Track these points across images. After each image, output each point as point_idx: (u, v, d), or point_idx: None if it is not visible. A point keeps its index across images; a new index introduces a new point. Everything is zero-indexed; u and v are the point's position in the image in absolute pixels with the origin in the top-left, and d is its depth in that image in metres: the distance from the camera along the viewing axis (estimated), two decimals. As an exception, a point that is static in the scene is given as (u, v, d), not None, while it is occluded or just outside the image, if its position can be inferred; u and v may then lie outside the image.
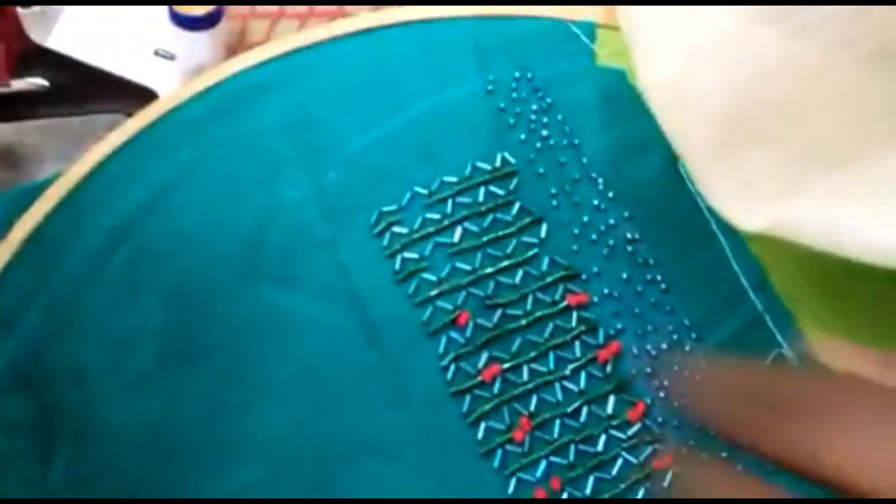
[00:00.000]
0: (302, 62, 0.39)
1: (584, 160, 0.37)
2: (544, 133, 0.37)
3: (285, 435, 0.33)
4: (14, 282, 0.35)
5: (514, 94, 0.38)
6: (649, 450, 0.34)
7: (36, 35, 0.42)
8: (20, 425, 0.33)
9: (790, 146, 0.30)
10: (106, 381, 0.34)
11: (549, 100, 0.38)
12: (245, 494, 0.33)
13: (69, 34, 0.44)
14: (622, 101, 0.38)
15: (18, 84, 0.40)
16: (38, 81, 0.41)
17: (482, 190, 0.36)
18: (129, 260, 0.35)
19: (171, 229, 0.36)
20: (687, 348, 0.35)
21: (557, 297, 0.35)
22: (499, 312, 0.35)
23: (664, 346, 0.35)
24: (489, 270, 0.35)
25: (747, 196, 0.30)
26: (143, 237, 0.36)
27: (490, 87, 0.38)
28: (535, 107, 0.38)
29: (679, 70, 0.32)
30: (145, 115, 0.38)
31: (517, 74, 0.39)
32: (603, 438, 0.34)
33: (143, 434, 0.33)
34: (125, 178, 0.37)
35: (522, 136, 0.37)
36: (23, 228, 0.36)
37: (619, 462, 0.34)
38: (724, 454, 0.33)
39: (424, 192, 0.36)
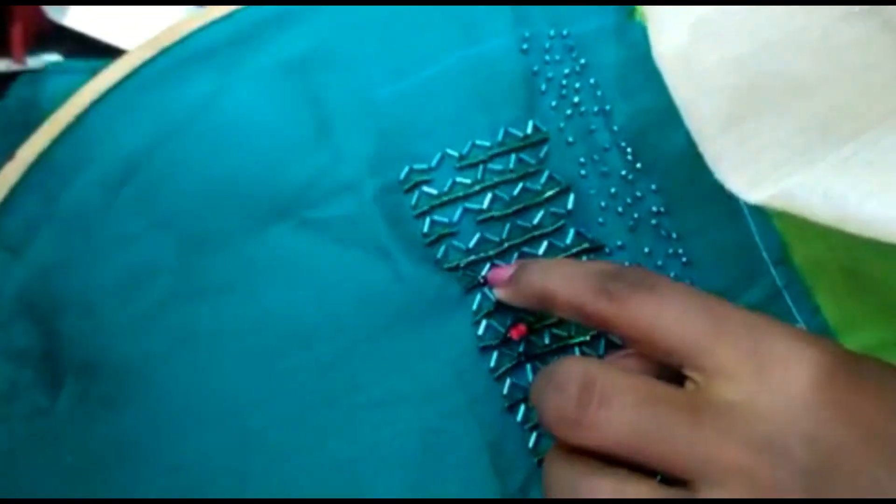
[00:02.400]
0: None
1: (615, 128, 0.38)
2: (576, 99, 0.38)
3: (309, 382, 0.34)
4: (22, 206, 0.35)
5: (548, 56, 0.38)
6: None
7: (52, 13, 0.42)
8: (28, 354, 0.34)
9: (797, 118, 0.30)
10: (115, 314, 0.34)
11: (582, 60, 0.38)
12: (261, 436, 0.33)
13: (86, 12, 0.44)
14: (653, 64, 0.38)
15: (34, 62, 0.41)
16: (54, 59, 0.41)
17: (513, 157, 0.37)
18: (142, 191, 0.36)
19: (187, 162, 0.36)
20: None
21: (583, 267, 0.36)
22: (525, 280, 0.36)
23: (683, 317, 0.36)
24: (516, 240, 0.36)
25: (752, 167, 0.30)
26: (158, 169, 0.36)
27: (525, 46, 0.38)
28: (567, 70, 0.38)
29: (686, 42, 0.32)
30: (159, 41, 0.38)
31: (552, 32, 0.39)
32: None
33: (152, 370, 0.34)
34: (139, 105, 0.37)
35: (553, 103, 0.38)
36: (31, 149, 0.35)
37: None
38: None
39: (455, 154, 0.37)
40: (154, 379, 0.34)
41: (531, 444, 0.34)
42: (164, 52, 0.38)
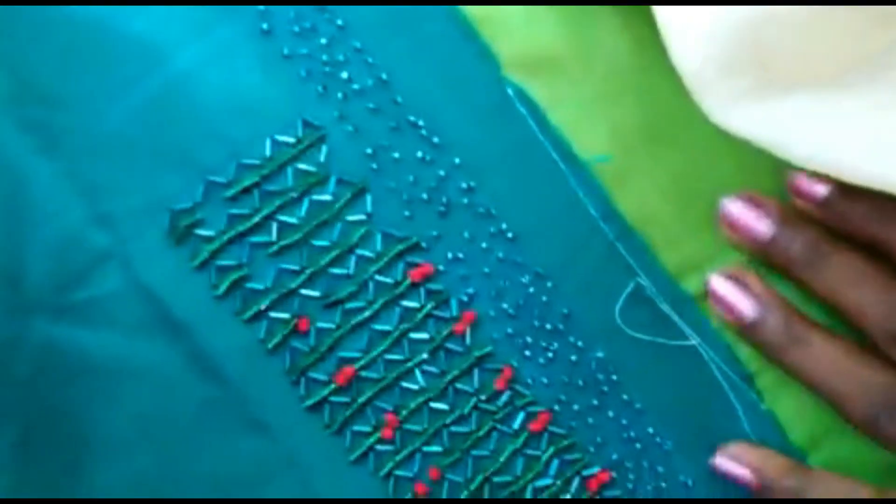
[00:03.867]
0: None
1: (398, 99, 0.32)
2: (344, 75, 0.32)
3: (136, 491, 0.30)
4: None
5: (297, 27, 0.32)
6: (522, 415, 0.33)
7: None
8: None
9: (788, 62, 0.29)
10: None
11: (339, 20, 0.32)
12: None
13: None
14: (423, 9, 0.32)
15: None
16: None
17: (289, 170, 0.31)
18: None
19: None
20: (545, 299, 0.33)
21: (399, 275, 0.32)
22: (339, 310, 0.31)
23: (521, 301, 0.33)
24: (320, 264, 0.31)
25: (736, 98, 0.29)
26: None
27: (265, 26, 0.31)
28: (324, 39, 0.32)
29: None
30: None
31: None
32: (475, 415, 0.32)
33: None
34: None
35: (320, 88, 0.31)
36: None
37: (494, 435, 0.33)
38: (595, 402, 0.33)
39: (222, 180, 0.31)
40: None
41: (390, 491, 0.32)
42: None
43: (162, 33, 0.30)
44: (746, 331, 0.32)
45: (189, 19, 0.30)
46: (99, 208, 0.30)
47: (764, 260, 0.32)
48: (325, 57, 0.32)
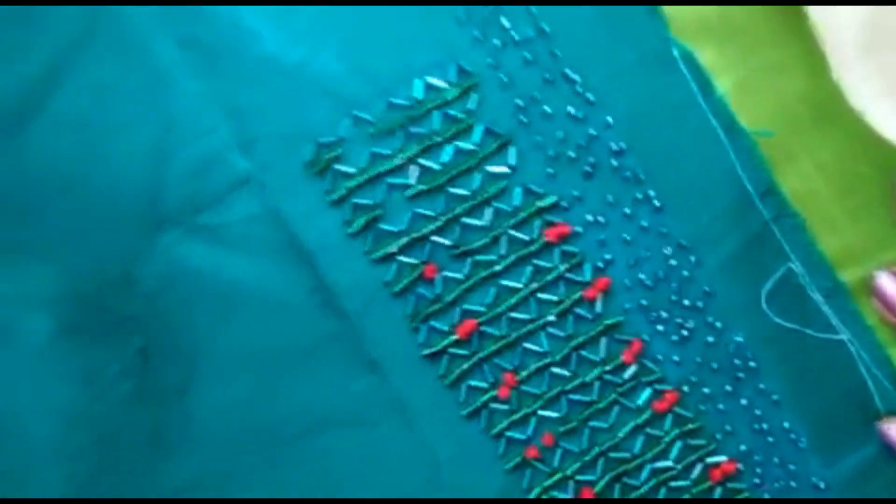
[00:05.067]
0: None
1: (557, 52, 0.31)
2: (504, 23, 0.30)
3: (230, 419, 0.30)
4: None
5: (460, -31, 0.31)
6: (648, 392, 0.31)
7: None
8: None
9: None
10: None
11: (506, -30, 0.31)
12: (185, 494, 0.30)
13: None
14: None
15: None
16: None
17: (436, 115, 0.30)
18: (8, 213, 0.29)
19: (39, 170, 0.29)
20: (686, 274, 0.31)
21: (535, 233, 0.31)
22: (469, 261, 0.31)
23: (660, 273, 0.31)
24: (456, 212, 0.30)
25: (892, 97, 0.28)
26: (8, 181, 0.29)
27: None
28: (489, -15, 0.31)
29: None
30: None
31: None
32: (597, 385, 0.31)
33: (51, 426, 0.30)
34: None
35: (476, 33, 0.31)
36: None
37: (616, 409, 0.31)
38: (729, 387, 0.31)
39: (368, 117, 0.30)
40: (62, 437, 0.30)
41: (500, 450, 0.31)
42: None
43: None
44: None
45: None
46: (244, 133, 0.30)
47: None
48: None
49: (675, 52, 0.30)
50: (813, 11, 0.28)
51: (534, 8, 0.30)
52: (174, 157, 0.30)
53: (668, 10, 0.30)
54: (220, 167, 0.30)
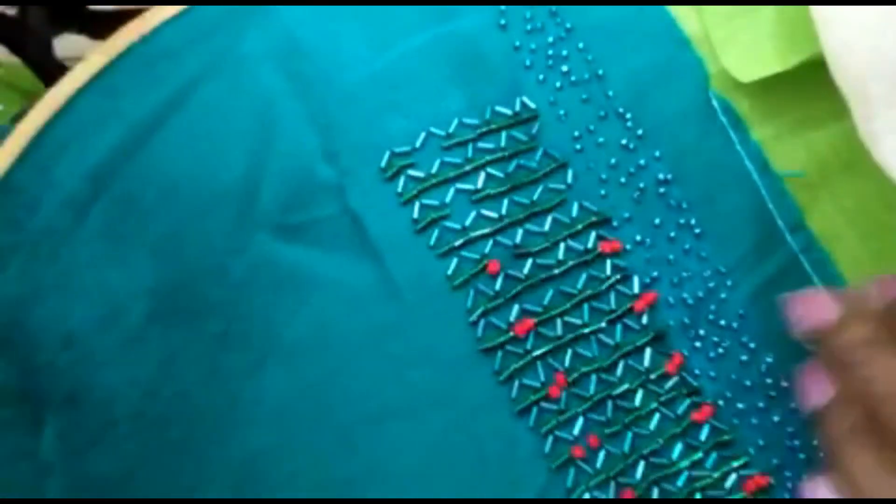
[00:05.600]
0: None
1: (610, 93, 0.34)
2: (564, 68, 0.34)
3: (295, 399, 0.31)
4: None
5: (529, 26, 0.35)
6: (687, 403, 0.33)
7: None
8: (6, 393, 0.31)
9: None
10: (96, 343, 0.31)
11: (567, 24, 0.35)
12: (254, 463, 0.31)
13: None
14: (646, 20, 0.35)
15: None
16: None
17: (504, 134, 0.34)
18: (111, 209, 0.32)
19: (155, 174, 0.32)
20: (723, 296, 0.33)
21: (590, 244, 0.33)
22: (530, 262, 0.33)
23: (700, 294, 0.33)
24: (517, 217, 0.33)
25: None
26: (125, 183, 0.32)
27: (503, 21, 0.34)
28: (551, 38, 0.35)
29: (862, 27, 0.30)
30: (112, 46, 0.34)
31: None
32: (640, 393, 0.33)
33: (137, 399, 0.31)
34: (97, 117, 0.32)
35: (541, 76, 0.34)
36: (-11, 178, 0.32)
37: (657, 417, 0.33)
38: (761, 404, 0.33)
39: (441, 132, 0.33)
40: (141, 407, 0.31)
41: (547, 449, 0.32)
42: (125, 55, 0.33)
43: (407, 16, 0.34)
44: None
45: (438, 8, 0.34)
46: (330, 146, 0.33)
47: None
48: (550, 52, 0.35)
49: (715, 103, 0.34)
50: (836, 66, 0.31)
51: (588, 55, 0.34)
52: (271, 167, 0.32)
53: (710, 63, 0.34)
54: (308, 175, 0.33)
